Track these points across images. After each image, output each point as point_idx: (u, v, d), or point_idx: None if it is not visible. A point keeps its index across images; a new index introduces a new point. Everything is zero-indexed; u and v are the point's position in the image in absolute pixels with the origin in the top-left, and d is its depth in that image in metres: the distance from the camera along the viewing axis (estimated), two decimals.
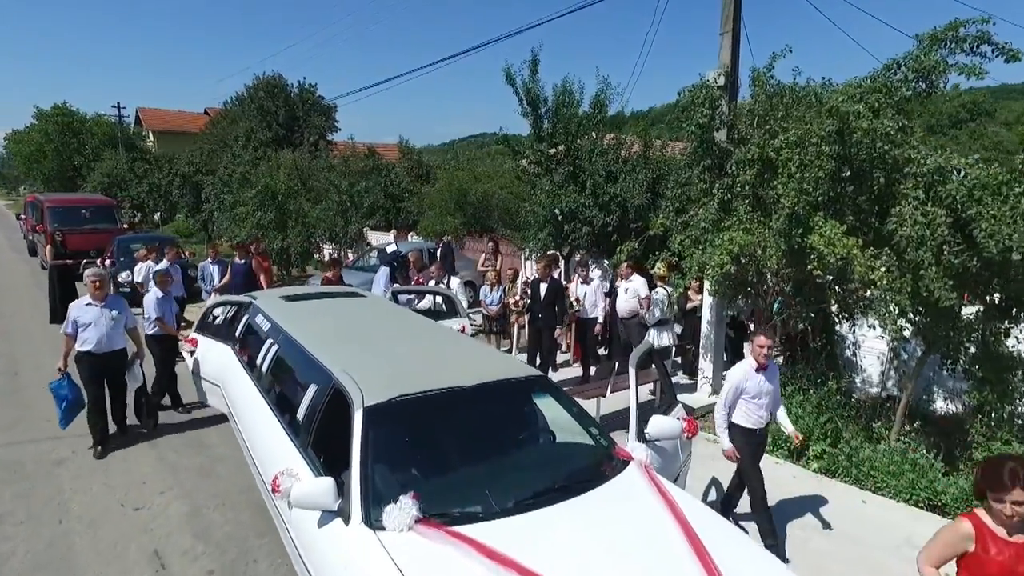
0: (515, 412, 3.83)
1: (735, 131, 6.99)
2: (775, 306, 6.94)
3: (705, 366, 7.77)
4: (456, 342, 4.51)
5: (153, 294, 6.79)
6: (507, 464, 3.38)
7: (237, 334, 5.87)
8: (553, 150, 10.62)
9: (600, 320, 8.30)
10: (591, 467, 3.37)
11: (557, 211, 10.00)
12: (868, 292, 5.95)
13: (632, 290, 8.04)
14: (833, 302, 6.63)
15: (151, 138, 40.30)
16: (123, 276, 10.97)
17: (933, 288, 4.65)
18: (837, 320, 7.16)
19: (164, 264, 8.77)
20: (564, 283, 8.98)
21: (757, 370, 4.32)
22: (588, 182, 10.02)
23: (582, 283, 8.40)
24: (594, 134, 10.48)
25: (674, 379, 7.86)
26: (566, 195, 9.99)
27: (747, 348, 8.83)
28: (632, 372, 4.06)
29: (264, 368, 4.73)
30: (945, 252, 4.74)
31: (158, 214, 27.24)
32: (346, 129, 61.32)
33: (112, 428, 6.05)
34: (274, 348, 4.73)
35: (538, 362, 7.73)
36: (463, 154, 21.18)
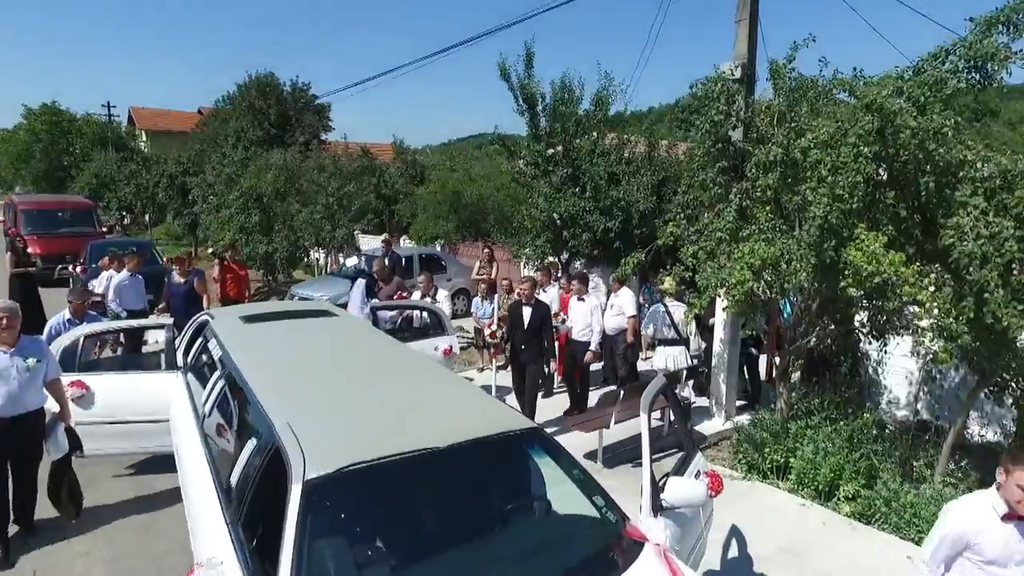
0: (501, 480, 3.07)
1: (753, 129, 6.29)
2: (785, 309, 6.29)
3: (718, 389, 7.04)
4: (432, 380, 3.75)
5: (59, 316, 5.65)
6: (489, 555, 2.63)
7: (189, 360, 5.15)
8: (551, 151, 9.94)
9: (593, 345, 6.88)
10: (596, 556, 2.63)
11: (556, 215, 9.32)
12: (909, 311, 5.26)
13: (617, 306, 7.27)
14: (865, 319, 5.92)
15: (144, 138, 39.52)
16: (93, 284, 10.25)
17: (1001, 314, 3.92)
18: (865, 339, 6.44)
19: (124, 274, 7.97)
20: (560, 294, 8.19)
21: (1006, 518, 2.54)
22: (588, 185, 9.34)
23: (577, 299, 7.07)
24: (595, 134, 9.80)
25: (684, 400, 7.11)
26: (565, 198, 9.31)
27: (762, 363, 8.24)
28: (644, 417, 3.31)
29: (207, 409, 4.00)
30: (1015, 271, 4.01)
31: (147, 216, 26.52)
32: (341, 129, 60.48)
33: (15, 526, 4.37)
34: (220, 384, 3.99)
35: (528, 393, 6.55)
36: (459, 154, 20.53)
